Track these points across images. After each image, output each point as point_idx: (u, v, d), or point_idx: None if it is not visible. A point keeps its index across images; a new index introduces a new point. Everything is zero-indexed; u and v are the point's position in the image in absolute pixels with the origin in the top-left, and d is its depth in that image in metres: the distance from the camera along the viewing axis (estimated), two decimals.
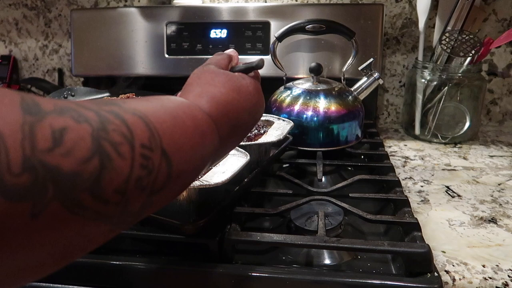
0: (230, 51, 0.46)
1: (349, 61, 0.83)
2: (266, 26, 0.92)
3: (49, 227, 0.19)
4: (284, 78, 0.84)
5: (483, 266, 0.46)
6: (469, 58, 0.81)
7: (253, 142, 0.61)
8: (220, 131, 0.34)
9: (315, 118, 0.76)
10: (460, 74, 0.82)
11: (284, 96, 0.80)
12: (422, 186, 0.67)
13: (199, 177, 0.52)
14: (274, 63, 0.84)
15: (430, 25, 0.93)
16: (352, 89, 0.81)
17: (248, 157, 0.52)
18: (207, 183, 0.45)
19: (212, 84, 0.37)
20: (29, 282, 0.21)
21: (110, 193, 0.21)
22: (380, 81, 0.81)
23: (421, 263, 0.44)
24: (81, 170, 0.19)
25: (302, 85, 0.80)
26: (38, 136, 0.18)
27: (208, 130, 0.33)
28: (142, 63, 0.99)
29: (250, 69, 0.43)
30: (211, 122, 0.34)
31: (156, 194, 0.25)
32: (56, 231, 0.19)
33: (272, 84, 0.84)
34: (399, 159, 0.78)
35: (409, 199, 0.57)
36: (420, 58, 0.87)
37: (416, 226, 0.49)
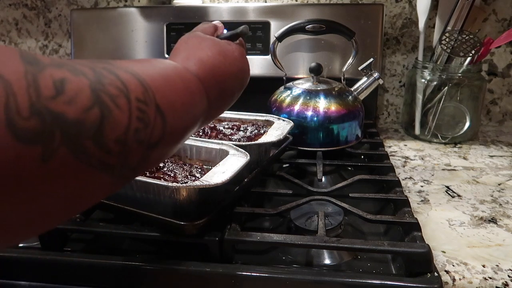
0: (216, 22, 0.47)
1: (349, 61, 0.83)
2: (266, 26, 0.92)
3: (58, 173, 0.19)
4: (284, 78, 0.84)
5: (483, 266, 0.46)
6: (469, 58, 0.81)
7: (253, 142, 0.61)
8: (208, 93, 0.35)
9: (315, 118, 0.76)
10: (460, 74, 0.82)
11: (284, 96, 0.80)
12: (422, 186, 0.67)
13: (199, 176, 0.52)
14: (274, 63, 0.84)
15: (430, 25, 0.93)
16: (352, 89, 0.81)
17: (248, 157, 0.52)
18: (207, 183, 0.45)
19: (199, 48, 0.38)
20: (34, 235, 0.22)
21: (111, 143, 0.22)
22: (380, 81, 0.81)
23: (421, 263, 0.44)
24: (84, 118, 0.20)
25: (302, 85, 0.80)
26: (42, 84, 0.19)
27: (197, 90, 0.34)
28: None
29: (235, 36, 0.44)
30: (199, 83, 0.35)
31: (152, 149, 0.26)
32: (64, 178, 0.20)
33: (272, 84, 0.84)
34: (399, 159, 0.78)
35: (409, 199, 0.57)
36: (420, 58, 0.87)
37: (416, 226, 0.49)
